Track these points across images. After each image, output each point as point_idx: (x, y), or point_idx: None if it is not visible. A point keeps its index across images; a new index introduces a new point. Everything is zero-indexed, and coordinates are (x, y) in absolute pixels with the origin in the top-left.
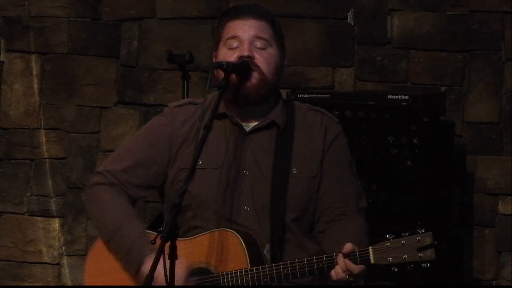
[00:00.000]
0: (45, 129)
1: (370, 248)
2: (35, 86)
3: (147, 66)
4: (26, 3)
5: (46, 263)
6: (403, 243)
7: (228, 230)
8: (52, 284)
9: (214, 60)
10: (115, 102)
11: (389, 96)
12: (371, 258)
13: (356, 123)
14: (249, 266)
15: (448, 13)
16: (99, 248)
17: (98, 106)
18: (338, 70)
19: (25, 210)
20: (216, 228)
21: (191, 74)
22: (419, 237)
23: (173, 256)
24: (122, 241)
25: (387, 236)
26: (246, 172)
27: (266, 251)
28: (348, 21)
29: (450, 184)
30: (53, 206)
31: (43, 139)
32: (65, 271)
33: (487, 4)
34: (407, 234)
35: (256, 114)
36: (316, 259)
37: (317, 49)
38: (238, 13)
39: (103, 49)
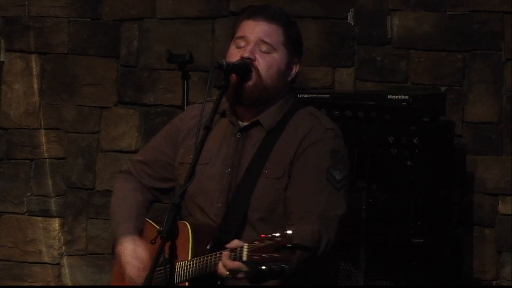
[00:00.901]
0: (45, 129)
1: (245, 246)
2: (35, 86)
3: (147, 66)
4: (26, 3)
5: (46, 263)
6: (266, 242)
7: (184, 222)
8: (52, 284)
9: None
10: (115, 102)
11: (389, 96)
12: (244, 255)
13: (356, 123)
14: (190, 259)
15: (448, 13)
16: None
17: (98, 106)
18: (338, 70)
19: (25, 210)
20: (181, 221)
21: (191, 74)
22: (280, 238)
23: (173, 256)
24: (111, 223)
25: (267, 235)
26: (228, 170)
27: (208, 246)
28: (348, 21)
29: (450, 184)
30: (53, 206)
31: (43, 139)
32: (65, 271)
33: (487, 4)
34: (276, 234)
35: (255, 115)
36: (215, 255)
37: (317, 49)
38: (252, 13)
39: (103, 49)
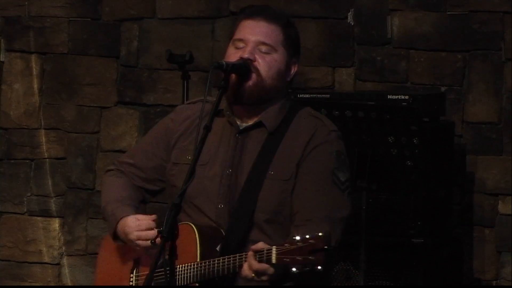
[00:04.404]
0: (45, 129)
1: (274, 248)
2: (35, 86)
3: (147, 66)
4: (26, 3)
5: (46, 263)
6: (299, 245)
7: (189, 223)
8: (52, 284)
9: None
10: (115, 102)
11: (389, 96)
12: (273, 257)
13: (356, 123)
14: (199, 261)
15: (448, 13)
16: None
17: (98, 106)
18: (338, 70)
19: (25, 210)
20: (184, 222)
21: (191, 74)
22: (313, 240)
23: (173, 256)
24: (107, 212)
25: (293, 237)
26: (229, 171)
27: (218, 248)
28: (348, 21)
29: (450, 184)
30: (53, 206)
31: (43, 139)
32: (65, 271)
33: (487, 4)
34: (307, 236)
35: (253, 115)
36: (238, 256)
37: (317, 49)
38: (251, 13)
39: (103, 49)
